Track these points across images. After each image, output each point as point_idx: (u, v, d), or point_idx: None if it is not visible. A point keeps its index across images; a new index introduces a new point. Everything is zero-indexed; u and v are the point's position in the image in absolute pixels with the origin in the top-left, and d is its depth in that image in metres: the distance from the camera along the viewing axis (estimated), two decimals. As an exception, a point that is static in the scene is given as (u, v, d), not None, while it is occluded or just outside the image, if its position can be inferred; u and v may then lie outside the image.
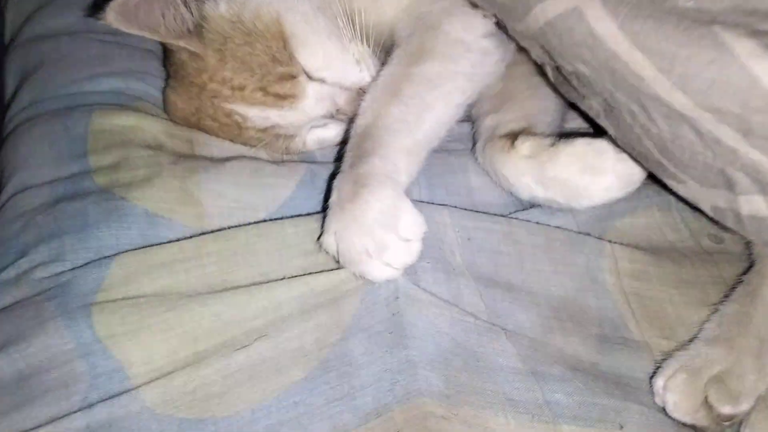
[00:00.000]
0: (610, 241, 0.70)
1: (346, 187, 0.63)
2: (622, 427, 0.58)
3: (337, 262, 0.63)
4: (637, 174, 0.67)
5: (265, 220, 0.69)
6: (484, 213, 0.71)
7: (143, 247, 0.65)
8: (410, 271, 0.64)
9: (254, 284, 0.63)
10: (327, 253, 0.63)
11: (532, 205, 0.74)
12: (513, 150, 0.70)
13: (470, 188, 0.75)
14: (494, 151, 0.71)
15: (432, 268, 0.66)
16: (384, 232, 0.60)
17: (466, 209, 0.71)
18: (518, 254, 0.69)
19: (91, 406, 0.54)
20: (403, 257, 0.62)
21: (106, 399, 0.55)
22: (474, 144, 0.77)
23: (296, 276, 0.63)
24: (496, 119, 0.76)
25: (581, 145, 0.67)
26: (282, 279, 0.63)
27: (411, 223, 0.62)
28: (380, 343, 0.61)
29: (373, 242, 0.60)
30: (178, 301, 0.61)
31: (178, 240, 0.65)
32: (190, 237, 0.66)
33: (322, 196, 0.71)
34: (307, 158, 0.78)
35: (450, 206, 0.71)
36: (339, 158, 0.71)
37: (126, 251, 0.65)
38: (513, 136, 0.71)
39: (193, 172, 0.71)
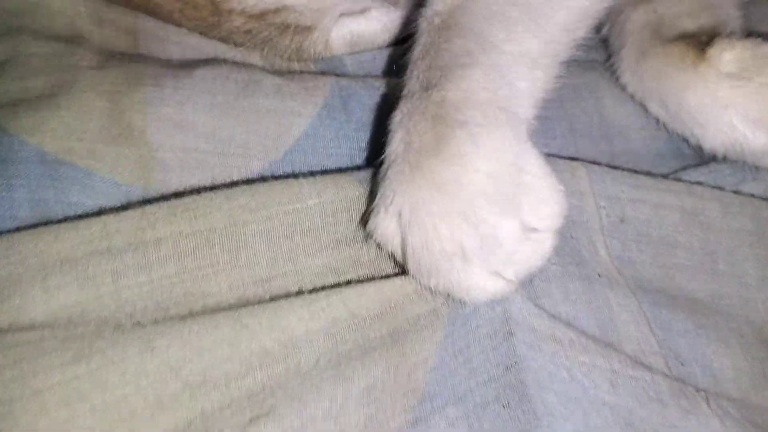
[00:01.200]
0: None
1: (421, 127, 0.33)
2: None
3: (399, 264, 0.34)
4: None
5: (263, 179, 0.39)
6: (643, 174, 0.41)
7: (32, 227, 0.34)
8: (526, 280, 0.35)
9: (245, 304, 0.33)
10: (380, 246, 0.35)
11: (711, 158, 0.44)
12: (704, 63, 0.40)
13: (607, 125, 0.45)
14: (664, 65, 0.42)
15: (561, 272, 0.37)
16: (496, 216, 0.32)
17: (611, 166, 0.41)
18: (707, 247, 0.40)
19: None
20: (526, 261, 0.33)
21: None
22: (613, 53, 0.47)
23: (322, 288, 0.34)
24: (654, 12, 0.46)
25: None
26: (297, 294, 0.34)
27: (545, 198, 0.32)
28: (491, 427, 0.32)
29: (475, 234, 0.31)
30: (98, 339, 0.31)
31: (100, 214, 0.35)
32: (125, 207, 0.35)
33: (365, 134, 0.40)
34: (332, 68, 0.46)
35: (584, 161, 0.40)
36: (393, 71, 0.40)
37: None
38: (696, 41, 0.41)
39: (134, 84, 0.39)
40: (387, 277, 0.36)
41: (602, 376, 0.34)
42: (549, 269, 0.38)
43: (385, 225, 0.34)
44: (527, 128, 0.35)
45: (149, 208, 0.35)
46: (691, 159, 0.45)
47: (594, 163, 0.41)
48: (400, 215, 0.33)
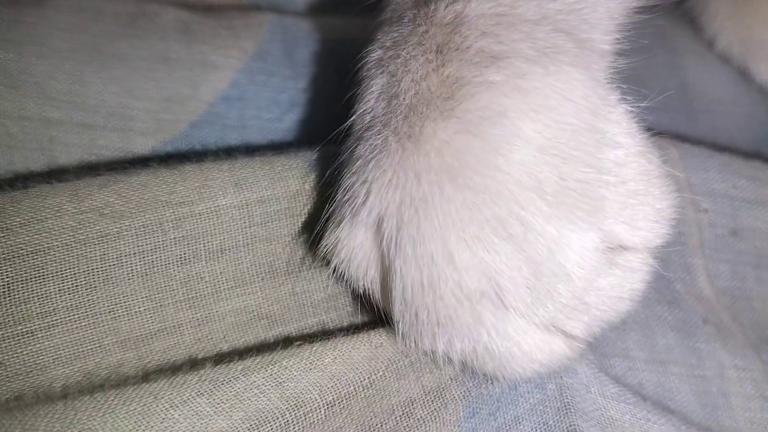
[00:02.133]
0: None
1: (418, 67, 0.19)
2: None
3: (378, 308, 0.18)
4: None
5: (147, 164, 0.23)
6: (762, 161, 0.26)
7: None
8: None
9: (96, 389, 0.17)
10: (342, 279, 0.20)
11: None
12: None
13: (687, 94, 0.31)
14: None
15: (645, 317, 0.24)
16: (559, 225, 0.18)
17: (708, 148, 0.26)
18: None
19: None
20: (605, 304, 0.18)
21: None
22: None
23: (241, 354, 0.20)
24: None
25: None
26: (192, 367, 0.18)
27: (643, 190, 0.17)
28: None
29: (519, 258, 0.18)
30: None
31: None
32: None
33: (321, 98, 0.25)
34: (276, 3, 0.31)
35: (674, 140, 0.26)
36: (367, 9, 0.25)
37: None
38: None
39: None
40: (356, 330, 0.20)
41: None
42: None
43: (353, 243, 0.19)
44: (607, 69, 0.20)
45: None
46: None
47: (686, 143, 0.26)
48: (379, 226, 0.18)
